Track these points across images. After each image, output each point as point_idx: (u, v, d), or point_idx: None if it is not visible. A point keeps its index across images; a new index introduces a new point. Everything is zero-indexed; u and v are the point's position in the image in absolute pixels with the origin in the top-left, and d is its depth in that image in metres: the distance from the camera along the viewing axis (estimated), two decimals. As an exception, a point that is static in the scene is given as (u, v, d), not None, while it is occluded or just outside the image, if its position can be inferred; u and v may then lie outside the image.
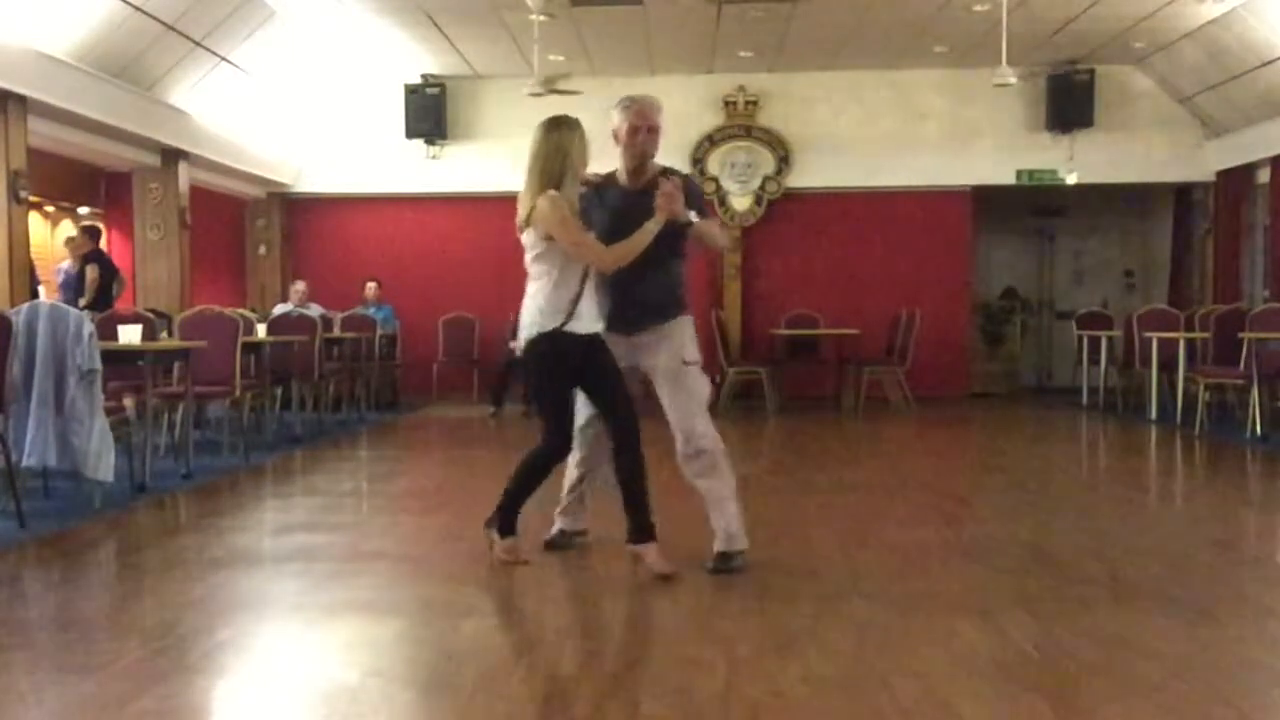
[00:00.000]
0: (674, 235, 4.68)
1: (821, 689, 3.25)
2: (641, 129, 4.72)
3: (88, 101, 9.30)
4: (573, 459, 4.94)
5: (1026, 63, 12.34)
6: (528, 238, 4.59)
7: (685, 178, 4.82)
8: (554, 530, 5.14)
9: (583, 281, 4.57)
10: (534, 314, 4.61)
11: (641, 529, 4.61)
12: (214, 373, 7.87)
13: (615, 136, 4.78)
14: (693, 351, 4.78)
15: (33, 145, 8.98)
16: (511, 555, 4.78)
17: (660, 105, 4.85)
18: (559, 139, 4.56)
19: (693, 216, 4.66)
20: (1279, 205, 11.88)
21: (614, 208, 4.74)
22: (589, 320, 4.60)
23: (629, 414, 4.64)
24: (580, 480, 5.05)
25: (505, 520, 4.80)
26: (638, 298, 4.72)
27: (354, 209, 14.06)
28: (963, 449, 9.97)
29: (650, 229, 4.54)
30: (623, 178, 4.83)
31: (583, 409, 4.82)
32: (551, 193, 4.49)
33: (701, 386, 4.77)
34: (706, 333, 12.30)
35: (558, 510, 5.14)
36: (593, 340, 4.62)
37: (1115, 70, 13.21)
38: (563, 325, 4.54)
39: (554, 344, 4.58)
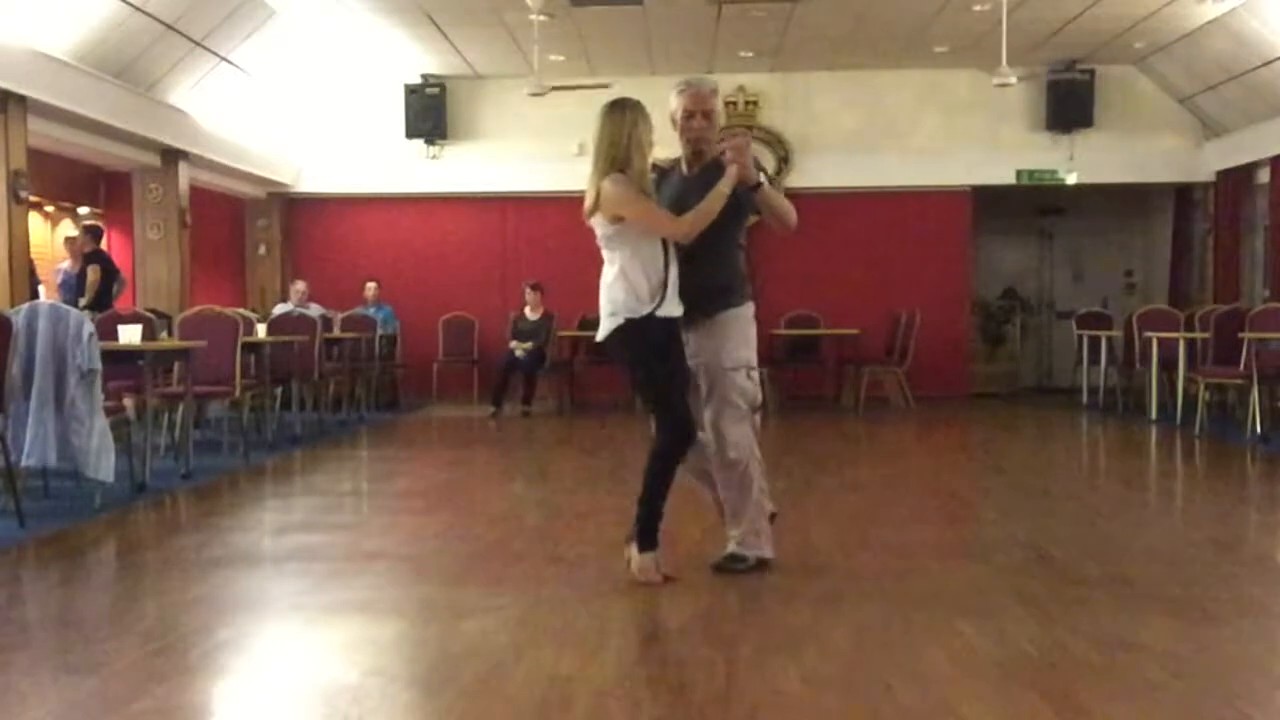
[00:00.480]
0: (735, 219, 4.52)
1: (821, 689, 3.25)
2: (696, 114, 4.58)
3: (88, 101, 9.30)
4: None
5: (1026, 63, 12.34)
6: (596, 223, 4.46)
7: None
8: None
9: (667, 262, 4.40)
10: (618, 301, 4.42)
11: (643, 532, 4.49)
12: (214, 373, 7.87)
13: (672, 121, 4.64)
14: (737, 355, 4.55)
15: (33, 145, 8.98)
16: (646, 574, 4.45)
17: (716, 87, 4.69)
18: (620, 120, 4.45)
19: (763, 179, 4.53)
20: (1279, 205, 11.88)
21: (672, 196, 4.58)
22: (674, 303, 4.41)
23: (682, 419, 4.45)
24: (711, 486, 4.72)
25: (645, 534, 4.47)
26: (696, 282, 4.47)
27: (354, 209, 14.05)
28: (963, 449, 9.97)
29: (723, 190, 4.38)
30: (683, 165, 4.70)
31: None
32: (615, 174, 4.39)
33: (741, 394, 4.55)
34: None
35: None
36: (676, 324, 4.46)
37: (1115, 70, 13.21)
38: (654, 311, 4.37)
39: (644, 330, 4.38)
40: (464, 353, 13.46)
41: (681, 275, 4.45)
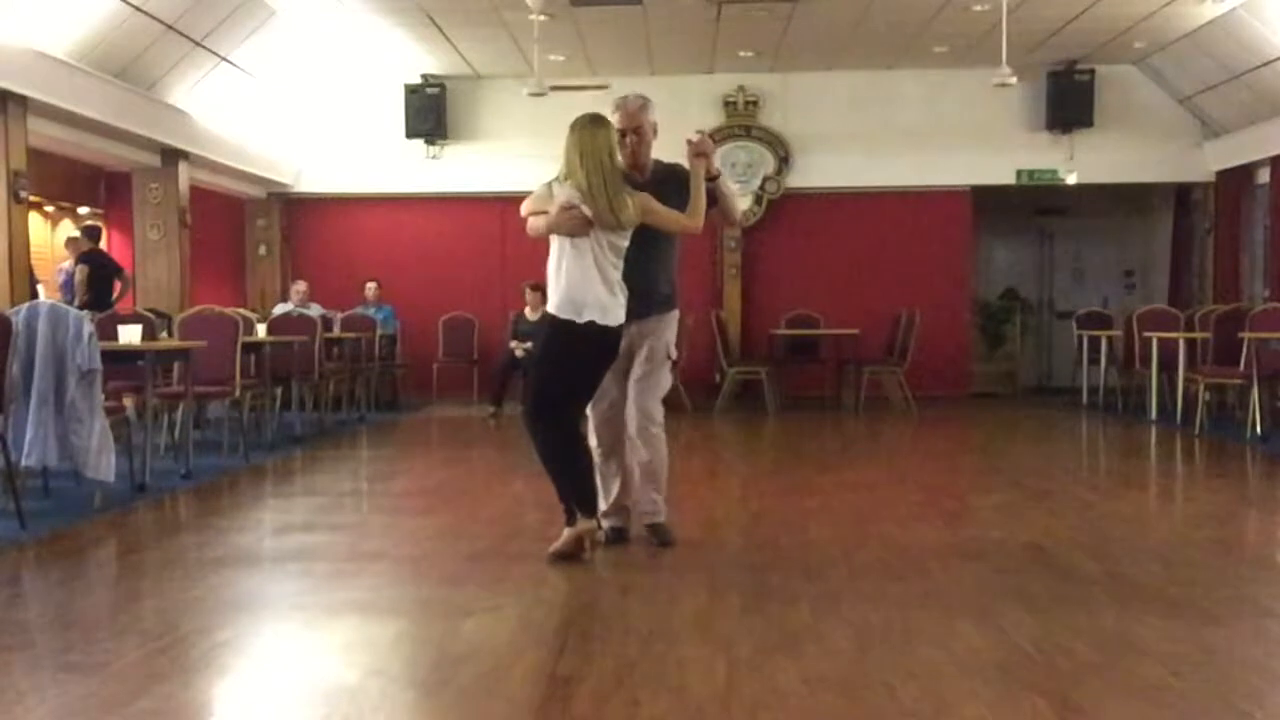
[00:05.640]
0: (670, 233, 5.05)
1: (821, 689, 3.25)
2: (627, 132, 4.94)
3: (88, 101, 9.30)
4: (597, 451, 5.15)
5: (1026, 63, 12.34)
6: (621, 236, 4.75)
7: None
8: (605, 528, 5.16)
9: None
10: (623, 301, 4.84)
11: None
12: (214, 373, 7.87)
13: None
14: (674, 347, 5.18)
15: (33, 145, 8.97)
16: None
17: (644, 104, 5.04)
18: (610, 135, 4.75)
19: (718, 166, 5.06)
20: (1279, 205, 11.88)
21: None
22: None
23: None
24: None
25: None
26: (649, 288, 4.96)
27: (354, 209, 14.05)
28: (963, 449, 9.97)
29: (700, 183, 4.86)
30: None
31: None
32: (633, 189, 4.77)
33: (668, 379, 5.19)
34: (707, 333, 12.32)
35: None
36: None
37: (1115, 70, 13.21)
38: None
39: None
40: (464, 353, 13.45)
41: (637, 279, 4.85)
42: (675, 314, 5.20)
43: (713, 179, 4.98)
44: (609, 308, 4.72)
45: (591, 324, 4.69)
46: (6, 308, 6.92)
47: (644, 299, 4.94)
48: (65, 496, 6.51)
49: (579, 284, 4.70)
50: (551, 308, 4.79)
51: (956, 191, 13.57)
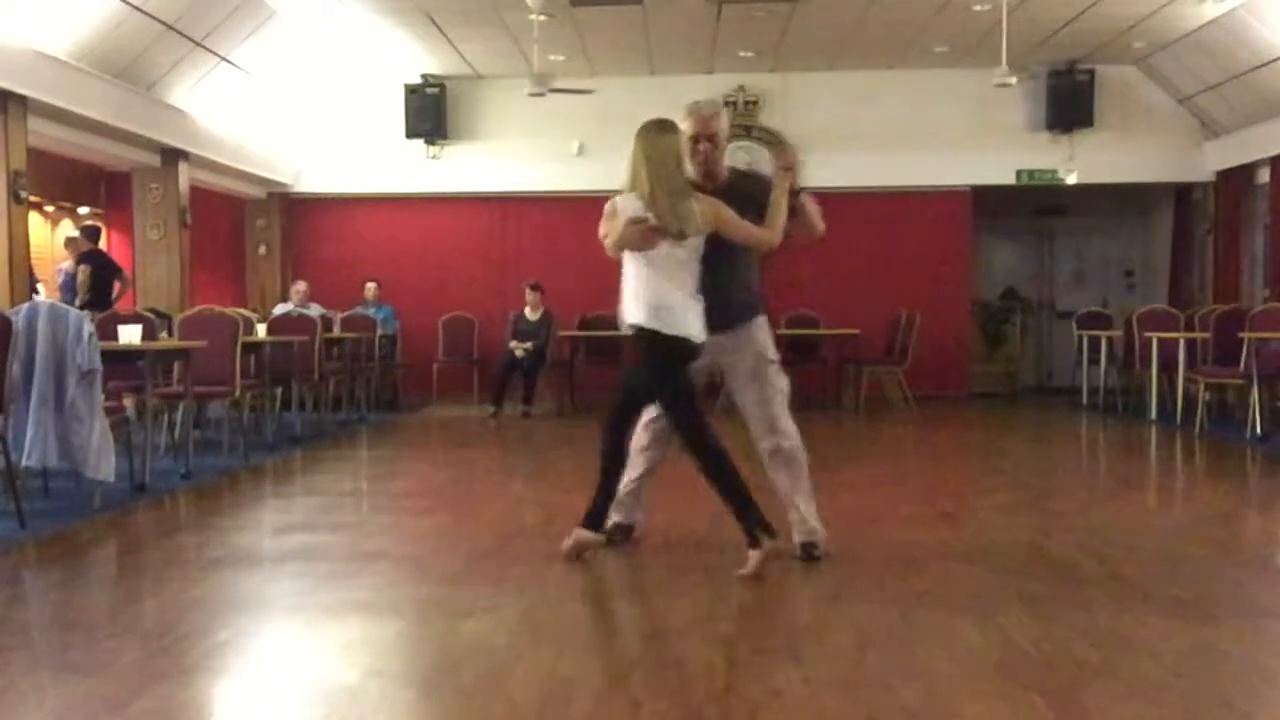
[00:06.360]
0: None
1: (821, 689, 3.25)
2: (701, 138, 4.75)
3: (88, 101, 9.30)
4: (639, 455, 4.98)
5: (1026, 63, 12.34)
6: (693, 243, 4.55)
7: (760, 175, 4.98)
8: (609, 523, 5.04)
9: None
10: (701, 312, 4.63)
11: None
12: (214, 373, 7.87)
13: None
14: (773, 350, 4.91)
15: (33, 145, 8.97)
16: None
17: (718, 110, 4.90)
18: (676, 140, 4.58)
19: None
20: (1279, 205, 11.88)
21: None
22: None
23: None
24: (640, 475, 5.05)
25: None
26: (723, 298, 4.70)
27: (354, 209, 14.05)
28: (963, 449, 9.96)
29: (780, 199, 4.65)
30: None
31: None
32: (703, 195, 4.59)
33: (783, 382, 4.91)
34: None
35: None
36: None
37: (1115, 70, 13.21)
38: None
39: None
40: (464, 353, 13.45)
41: (712, 290, 4.64)
42: (761, 319, 4.91)
43: (795, 195, 4.75)
44: (695, 317, 4.57)
45: (677, 338, 4.56)
46: (6, 308, 6.92)
47: (719, 311, 4.68)
48: (65, 496, 6.50)
49: (665, 293, 4.53)
50: (638, 319, 4.57)
51: (956, 191, 13.57)
